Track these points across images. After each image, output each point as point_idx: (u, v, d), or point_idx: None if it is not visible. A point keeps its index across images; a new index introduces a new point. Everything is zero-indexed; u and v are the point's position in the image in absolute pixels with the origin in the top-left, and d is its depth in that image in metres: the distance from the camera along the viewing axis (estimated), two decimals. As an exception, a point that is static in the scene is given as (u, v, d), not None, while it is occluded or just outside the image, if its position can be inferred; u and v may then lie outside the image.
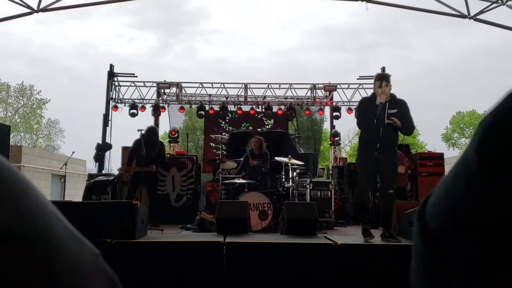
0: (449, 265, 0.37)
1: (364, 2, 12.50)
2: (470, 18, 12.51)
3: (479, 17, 12.58)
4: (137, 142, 7.76)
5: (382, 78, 5.46)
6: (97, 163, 12.38)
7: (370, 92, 14.21)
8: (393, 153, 5.45)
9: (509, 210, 0.32)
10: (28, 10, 12.46)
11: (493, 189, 0.33)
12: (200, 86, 14.68)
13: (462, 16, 12.53)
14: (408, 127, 5.50)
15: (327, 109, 15.04)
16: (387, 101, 5.37)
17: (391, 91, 5.46)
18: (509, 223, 0.32)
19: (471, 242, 0.35)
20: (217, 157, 9.65)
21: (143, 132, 7.76)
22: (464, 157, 0.36)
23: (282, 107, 14.45)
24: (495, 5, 12.16)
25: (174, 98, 14.77)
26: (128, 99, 14.41)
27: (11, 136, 10.06)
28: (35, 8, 12.38)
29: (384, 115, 5.32)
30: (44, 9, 12.52)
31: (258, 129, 13.93)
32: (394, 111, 5.35)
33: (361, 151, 5.65)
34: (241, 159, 8.43)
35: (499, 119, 0.34)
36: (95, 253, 0.37)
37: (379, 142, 5.32)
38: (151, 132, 7.96)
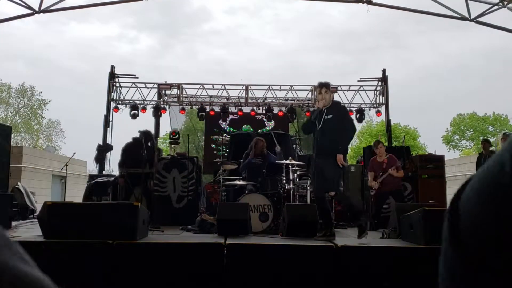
0: (476, 269, 0.36)
1: (365, 4, 12.51)
2: (471, 20, 12.52)
3: (480, 19, 12.59)
4: (132, 144, 7.85)
5: (322, 86, 5.71)
6: (98, 164, 12.40)
7: (370, 94, 14.31)
8: (329, 158, 5.57)
9: None
10: (29, 11, 12.49)
11: None
12: (201, 87, 14.70)
13: (463, 18, 12.54)
14: (343, 135, 5.67)
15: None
16: (325, 108, 5.62)
17: (341, 100, 5.77)
18: None
19: (502, 253, 0.34)
20: (217, 159, 9.66)
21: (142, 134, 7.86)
22: (499, 156, 0.36)
23: (283, 108, 14.47)
24: (496, 7, 12.17)
25: (175, 99, 14.79)
26: (129, 100, 14.43)
27: (11, 136, 10.07)
28: (36, 9, 12.40)
29: (320, 121, 5.60)
30: (46, 10, 12.54)
31: (259, 131, 13.97)
32: (329, 116, 5.59)
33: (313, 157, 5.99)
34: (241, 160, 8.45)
35: None
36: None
37: (316, 146, 5.67)
38: (150, 136, 8.09)
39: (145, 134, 8.01)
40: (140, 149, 7.61)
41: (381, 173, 8.37)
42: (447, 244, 0.40)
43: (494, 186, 0.35)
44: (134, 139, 7.93)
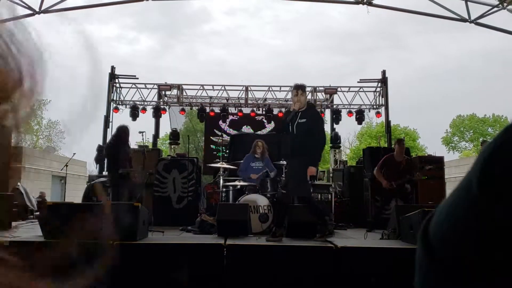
0: (451, 280, 0.39)
1: (365, 5, 12.54)
2: (471, 22, 12.55)
3: (480, 21, 12.62)
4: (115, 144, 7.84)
5: (299, 88, 5.72)
6: (97, 165, 12.40)
7: (370, 95, 14.32)
8: (301, 162, 5.60)
9: (506, 232, 0.35)
10: (30, 12, 12.50)
11: (491, 213, 0.36)
12: (201, 88, 14.71)
13: (463, 20, 12.56)
14: (314, 141, 5.65)
15: (327, 112, 15.08)
16: (300, 110, 5.63)
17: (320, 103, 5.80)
18: (506, 245, 0.35)
19: (471, 259, 0.38)
20: (217, 160, 9.68)
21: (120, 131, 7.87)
22: (465, 181, 0.39)
23: (283, 109, 14.48)
24: (495, 9, 12.20)
25: (175, 100, 14.79)
26: (129, 100, 14.44)
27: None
28: (37, 10, 12.42)
29: (294, 123, 5.63)
30: (46, 11, 12.55)
31: (258, 132, 13.98)
32: (303, 120, 5.62)
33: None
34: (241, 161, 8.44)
35: (500, 150, 0.38)
36: None
37: (290, 147, 5.70)
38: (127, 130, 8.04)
39: (124, 130, 7.97)
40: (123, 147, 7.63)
41: (397, 175, 7.79)
42: (422, 254, 0.43)
43: (463, 208, 0.39)
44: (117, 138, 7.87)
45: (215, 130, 14.80)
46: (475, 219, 0.37)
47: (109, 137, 13.59)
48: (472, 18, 12.49)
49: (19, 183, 10.43)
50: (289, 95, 14.65)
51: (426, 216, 0.45)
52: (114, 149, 7.64)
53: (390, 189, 7.82)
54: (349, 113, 14.43)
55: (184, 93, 14.69)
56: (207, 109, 14.44)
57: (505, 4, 12.01)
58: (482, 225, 0.37)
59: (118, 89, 14.44)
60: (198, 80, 51.10)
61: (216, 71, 58.46)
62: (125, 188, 7.50)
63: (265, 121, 14.77)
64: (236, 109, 14.56)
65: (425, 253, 0.42)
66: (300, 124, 5.62)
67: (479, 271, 0.37)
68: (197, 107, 14.58)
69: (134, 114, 14.09)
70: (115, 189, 7.54)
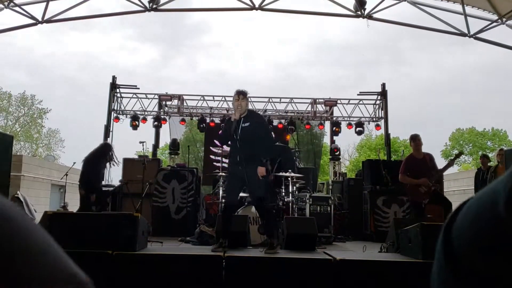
0: (473, 283, 0.39)
1: (365, 19, 12.64)
2: (470, 36, 12.65)
3: (479, 35, 12.73)
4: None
5: (240, 93, 5.77)
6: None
7: (370, 107, 14.38)
8: (254, 166, 5.60)
9: None
10: (32, 21, 12.59)
11: None
12: (202, 98, 14.76)
13: (462, 34, 12.66)
14: (263, 144, 5.68)
15: (327, 124, 15.13)
16: (241, 116, 5.66)
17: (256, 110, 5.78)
18: None
19: (492, 269, 0.38)
20: (216, 170, 9.68)
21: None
22: (492, 193, 0.38)
23: (283, 121, 14.53)
24: (494, 24, 12.31)
25: (176, 110, 14.84)
26: (130, 110, 14.48)
27: (12, 145, 10.10)
28: (40, 19, 12.51)
29: (238, 130, 5.62)
30: (49, 20, 12.64)
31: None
32: (246, 124, 5.64)
33: (228, 167, 6.02)
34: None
35: None
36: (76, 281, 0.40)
37: (238, 155, 5.62)
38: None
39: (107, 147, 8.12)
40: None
41: (426, 174, 6.92)
42: (442, 263, 0.43)
43: (486, 221, 0.38)
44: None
45: (215, 140, 14.82)
46: (497, 234, 0.37)
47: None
48: (472, 32, 12.59)
49: (18, 192, 10.44)
50: (289, 107, 14.74)
51: (450, 214, 0.44)
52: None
53: (428, 192, 6.86)
54: (349, 125, 14.47)
55: (185, 104, 14.75)
56: (207, 120, 14.48)
57: (504, 19, 12.12)
58: (504, 240, 0.36)
59: (119, 98, 14.49)
60: (198, 91, 51.37)
61: (216, 82, 58.67)
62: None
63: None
64: (236, 120, 14.57)
65: (446, 256, 0.42)
66: (244, 128, 5.62)
67: (498, 278, 0.37)
68: (197, 118, 14.62)
69: (135, 124, 14.12)
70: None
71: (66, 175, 11.04)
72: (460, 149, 39.40)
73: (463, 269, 0.40)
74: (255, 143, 5.58)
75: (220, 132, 6.33)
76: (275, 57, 65.08)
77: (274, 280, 4.59)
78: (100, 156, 7.81)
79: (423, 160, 7.07)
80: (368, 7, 12.45)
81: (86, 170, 7.69)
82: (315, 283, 4.57)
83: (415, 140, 7.20)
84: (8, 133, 15.18)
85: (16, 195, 10.01)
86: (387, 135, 14.42)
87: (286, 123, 14.32)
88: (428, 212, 6.92)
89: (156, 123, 14.47)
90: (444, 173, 10.54)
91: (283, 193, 7.77)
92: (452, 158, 7.43)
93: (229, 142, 5.84)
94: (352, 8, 12.58)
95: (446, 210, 6.86)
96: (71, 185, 10.86)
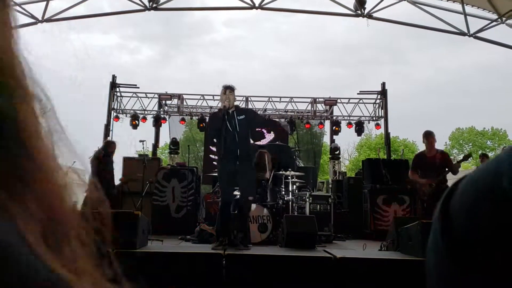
0: (469, 260, 0.39)
1: (365, 18, 12.64)
2: (470, 36, 12.65)
3: (479, 35, 12.73)
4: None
5: (227, 87, 5.81)
6: (97, 173, 12.39)
7: (370, 107, 14.38)
8: (249, 162, 5.69)
9: None
10: (32, 20, 12.59)
11: None
12: (201, 98, 14.76)
13: (462, 33, 12.67)
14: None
15: (327, 123, 15.13)
16: (231, 110, 5.68)
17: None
18: None
19: (493, 244, 0.37)
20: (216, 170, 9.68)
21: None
22: (494, 172, 0.38)
23: (282, 120, 14.53)
24: (494, 23, 12.31)
25: (175, 109, 14.83)
26: (130, 109, 14.48)
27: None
28: (40, 18, 12.51)
29: (232, 122, 5.60)
30: (49, 19, 12.64)
31: (257, 142, 13.99)
32: (242, 117, 5.67)
33: (219, 162, 6.00)
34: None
35: None
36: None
37: (233, 149, 5.56)
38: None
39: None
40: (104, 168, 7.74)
41: (435, 172, 6.83)
42: (439, 246, 0.42)
43: (490, 198, 0.38)
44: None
45: (214, 140, 14.81)
46: (500, 213, 0.36)
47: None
48: (471, 32, 12.60)
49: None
50: (289, 106, 14.74)
51: (447, 190, 0.43)
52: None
53: (431, 190, 6.78)
54: (349, 124, 14.47)
55: (185, 103, 14.74)
56: (207, 119, 14.47)
57: (503, 19, 12.12)
58: (507, 219, 0.36)
59: (118, 98, 14.49)
60: (198, 90, 51.34)
61: (216, 81, 58.67)
62: None
63: (264, 131, 14.79)
64: (236, 119, 14.58)
65: (443, 230, 0.41)
66: (241, 120, 5.62)
67: (498, 253, 0.37)
68: (197, 117, 14.61)
69: (135, 123, 14.13)
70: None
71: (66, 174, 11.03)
72: (460, 148, 39.47)
73: (460, 247, 0.40)
74: (248, 138, 5.58)
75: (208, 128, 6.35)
76: (275, 57, 65.09)
77: (274, 278, 4.59)
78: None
79: (433, 158, 6.95)
80: (368, 7, 12.45)
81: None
82: (316, 281, 4.57)
83: (428, 137, 7.04)
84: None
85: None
86: (387, 134, 14.42)
87: (286, 122, 14.32)
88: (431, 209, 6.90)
89: (156, 122, 14.47)
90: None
91: (283, 192, 7.77)
92: (460, 159, 7.39)
93: (216, 139, 5.90)
94: (352, 7, 12.58)
95: None
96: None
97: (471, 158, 8.81)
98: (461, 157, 7.37)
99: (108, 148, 8.15)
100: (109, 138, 11.81)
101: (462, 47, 55.26)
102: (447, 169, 6.91)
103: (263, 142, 14.41)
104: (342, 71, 62.20)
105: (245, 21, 65.56)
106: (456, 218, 0.41)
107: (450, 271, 0.41)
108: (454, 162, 7.14)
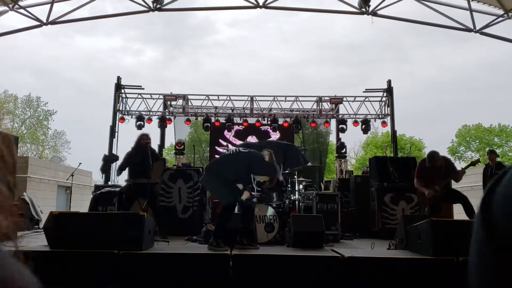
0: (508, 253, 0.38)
1: (370, 16, 12.57)
2: (476, 32, 12.55)
3: (485, 30, 12.62)
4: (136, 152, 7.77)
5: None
6: (103, 175, 12.41)
7: (376, 104, 14.30)
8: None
9: None
10: (37, 23, 12.62)
11: None
12: (206, 98, 14.74)
13: (468, 30, 12.57)
14: None
15: (333, 122, 15.06)
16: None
17: None
18: None
19: None
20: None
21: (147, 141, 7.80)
22: None
23: (288, 119, 14.48)
24: (500, 19, 12.20)
25: (180, 110, 14.82)
26: (135, 111, 14.49)
27: (18, 147, 10.14)
28: (44, 21, 12.53)
29: None
30: (53, 22, 12.67)
31: (267, 140, 13.93)
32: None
33: None
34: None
35: None
36: None
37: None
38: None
39: (149, 139, 7.95)
40: (146, 158, 7.54)
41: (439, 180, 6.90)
42: (480, 236, 0.41)
43: None
44: (139, 146, 7.81)
45: (220, 140, 14.80)
46: None
47: (114, 147, 13.67)
48: (477, 28, 12.49)
49: (24, 193, 10.45)
50: (295, 105, 14.68)
51: (489, 185, 0.42)
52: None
53: (436, 196, 6.86)
54: (355, 122, 14.40)
55: (190, 103, 14.73)
56: (212, 119, 14.45)
57: (510, 14, 12.01)
58: None
59: (124, 99, 14.50)
60: (201, 90, 51.43)
61: (220, 82, 58.69)
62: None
63: (270, 130, 14.75)
64: (242, 119, 14.56)
65: (484, 226, 0.41)
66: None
67: None
68: (202, 117, 14.59)
69: (140, 124, 14.13)
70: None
71: (72, 175, 11.05)
72: (467, 146, 39.23)
73: (501, 239, 0.39)
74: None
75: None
76: (278, 57, 64.99)
77: (281, 278, 4.54)
78: (137, 152, 7.80)
79: (438, 167, 6.96)
80: (373, 4, 12.38)
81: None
82: (324, 281, 4.52)
83: (431, 159, 7.01)
84: (13, 134, 15.21)
85: (22, 197, 10.03)
86: (393, 132, 14.34)
87: (291, 122, 14.27)
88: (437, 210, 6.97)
89: (161, 123, 14.47)
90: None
91: (290, 191, 7.72)
92: (467, 164, 7.30)
93: None
94: (356, 5, 12.51)
95: (463, 204, 6.80)
96: (76, 186, 10.87)
97: (479, 163, 8.73)
98: (469, 158, 7.50)
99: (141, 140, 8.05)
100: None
101: (466, 44, 54.98)
102: (451, 176, 7.03)
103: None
104: (346, 70, 61.99)
105: (248, 22, 65.46)
106: (499, 212, 0.40)
107: (489, 259, 0.41)
108: (458, 169, 7.10)
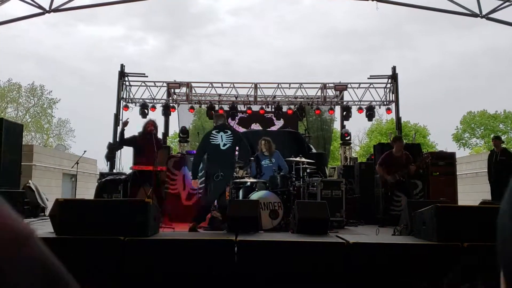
0: None
1: (375, 2, 12.45)
2: (482, 17, 12.41)
3: (491, 16, 12.48)
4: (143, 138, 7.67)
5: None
6: (108, 162, 12.45)
7: (380, 91, 14.22)
8: None
9: None
10: (40, 11, 12.57)
11: None
12: (210, 86, 14.71)
13: (474, 15, 12.43)
14: None
15: (337, 109, 15.01)
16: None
17: None
18: None
19: None
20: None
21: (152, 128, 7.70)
22: None
23: (292, 106, 14.44)
24: (507, 3, 12.05)
25: (184, 98, 14.81)
26: (139, 99, 14.49)
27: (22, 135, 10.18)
28: (47, 9, 12.49)
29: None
30: (56, 9, 12.62)
31: (267, 129, 13.93)
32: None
33: None
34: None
35: None
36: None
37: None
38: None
39: (155, 126, 7.84)
40: (150, 144, 7.46)
41: (399, 169, 8.16)
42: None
43: None
44: (145, 133, 7.70)
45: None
46: None
47: (118, 135, 13.69)
48: (484, 13, 12.35)
49: (30, 181, 10.50)
50: (299, 92, 14.62)
51: None
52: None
53: (396, 182, 8.18)
54: (359, 109, 14.35)
55: (193, 91, 14.70)
56: (216, 107, 14.42)
57: (517, -2, 11.86)
58: None
59: (127, 87, 14.49)
60: (203, 79, 51.18)
61: (222, 70, 58.53)
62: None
63: (274, 118, 14.73)
64: (245, 106, 14.54)
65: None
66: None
67: None
68: (206, 105, 14.58)
69: (144, 112, 14.14)
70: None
71: (77, 163, 11.09)
72: (472, 132, 39.05)
73: None
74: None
75: None
76: (281, 45, 64.62)
77: (286, 264, 4.56)
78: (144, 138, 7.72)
79: (400, 157, 8.20)
80: (378, -11, 12.24)
81: None
82: (328, 267, 4.54)
83: (397, 142, 8.36)
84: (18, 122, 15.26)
85: (28, 184, 10.08)
86: (398, 119, 14.28)
87: (295, 109, 14.23)
88: None
89: (165, 111, 14.47)
90: (457, 157, 10.53)
91: (294, 178, 7.72)
92: (416, 163, 8.41)
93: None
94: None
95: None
96: (82, 174, 10.91)
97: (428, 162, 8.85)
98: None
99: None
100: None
101: (470, 30, 54.40)
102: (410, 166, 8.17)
103: (272, 129, 14.37)
104: (349, 57, 61.59)
105: (250, 10, 64.99)
106: None
107: None
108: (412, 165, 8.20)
